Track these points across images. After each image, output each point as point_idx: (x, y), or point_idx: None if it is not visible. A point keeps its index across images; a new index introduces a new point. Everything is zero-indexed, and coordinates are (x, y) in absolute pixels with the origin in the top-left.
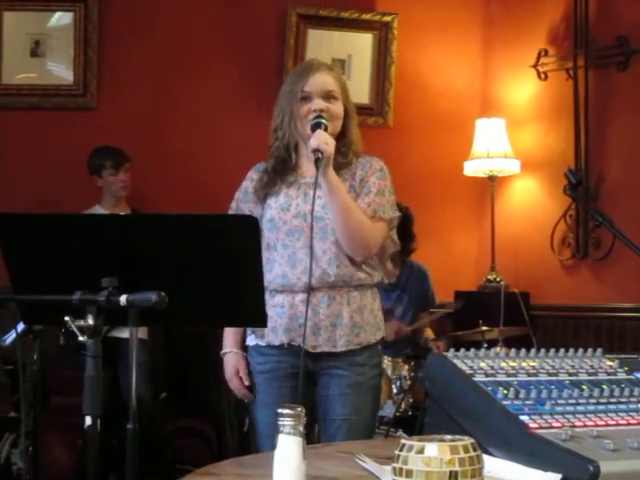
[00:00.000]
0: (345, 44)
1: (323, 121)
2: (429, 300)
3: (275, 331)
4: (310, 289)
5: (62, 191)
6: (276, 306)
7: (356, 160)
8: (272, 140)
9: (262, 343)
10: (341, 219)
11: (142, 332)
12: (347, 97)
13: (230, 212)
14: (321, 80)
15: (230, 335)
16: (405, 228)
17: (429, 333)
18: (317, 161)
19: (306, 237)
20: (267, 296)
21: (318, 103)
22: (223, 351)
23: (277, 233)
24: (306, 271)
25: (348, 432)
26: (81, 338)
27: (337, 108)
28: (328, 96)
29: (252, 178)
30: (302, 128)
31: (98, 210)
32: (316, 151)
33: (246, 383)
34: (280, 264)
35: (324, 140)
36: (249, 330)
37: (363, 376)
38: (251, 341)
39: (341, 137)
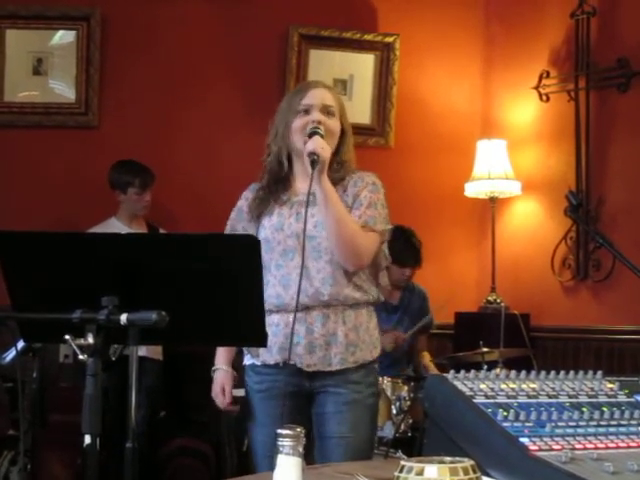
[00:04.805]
0: (347, 64)
1: (320, 131)
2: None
3: (270, 350)
4: (297, 308)
5: (63, 210)
6: (271, 325)
7: (349, 177)
8: (266, 155)
9: (258, 362)
10: (334, 227)
11: (157, 352)
12: (344, 117)
13: (225, 232)
14: (320, 95)
15: (221, 352)
16: (410, 244)
17: (427, 360)
18: (313, 163)
19: (300, 256)
20: None
21: (316, 115)
22: (213, 368)
23: (271, 254)
24: (300, 291)
25: (345, 451)
26: (81, 357)
27: (334, 124)
28: (326, 111)
29: (247, 197)
30: (297, 141)
31: (114, 223)
32: (312, 154)
33: (227, 400)
34: (273, 284)
35: (320, 145)
36: (245, 349)
37: (359, 394)
38: (247, 360)
39: (335, 155)
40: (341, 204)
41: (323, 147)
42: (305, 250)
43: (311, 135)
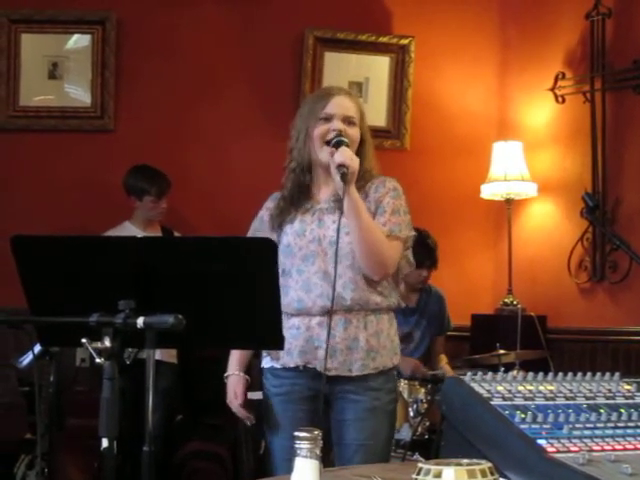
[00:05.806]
0: (362, 67)
1: (345, 139)
2: (445, 325)
3: (290, 353)
4: (330, 312)
5: (80, 213)
6: (292, 328)
7: (370, 182)
8: (288, 160)
9: (277, 365)
10: (362, 237)
11: (171, 356)
12: (364, 123)
13: None
14: (342, 104)
15: (234, 358)
16: (425, 245)
17: (443, 363)
18: (343, 175)
19: (321, 261)
20: (283, 318)
21: (337, 124)
22: (226, 374)
23: (292, 259)
24: (321, 295)
25: (364, 457)
26: (98, 360)
27: (355, 133)
28: (348, 121)
29: (268, 207)
30: (317, 148)
31: (129, 227)
32: (341, 166)
33: (239, 401)
34: (295, 289)
35: (349, 156)
36: (264, 352)
37: (379, 401)
38: (266, 363)
39: None
40: (368, 214)
41: (352, 158)
42: (326, 255)
43: (337, 145)
